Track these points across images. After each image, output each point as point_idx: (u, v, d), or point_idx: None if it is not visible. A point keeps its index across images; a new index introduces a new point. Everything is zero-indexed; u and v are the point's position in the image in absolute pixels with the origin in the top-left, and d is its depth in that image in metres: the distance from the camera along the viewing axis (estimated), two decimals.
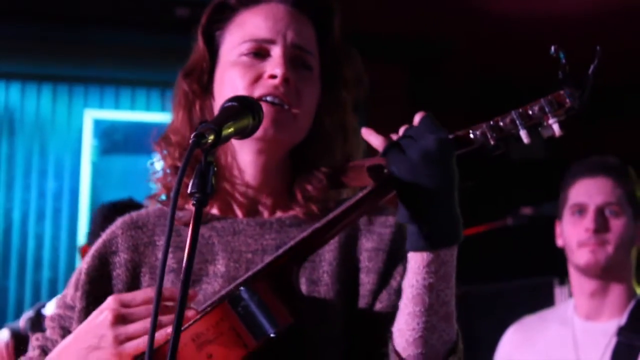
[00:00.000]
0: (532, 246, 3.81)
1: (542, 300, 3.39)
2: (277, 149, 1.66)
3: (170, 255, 1.65)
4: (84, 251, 3.09)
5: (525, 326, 2.98)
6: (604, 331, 2.78)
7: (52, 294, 5.01)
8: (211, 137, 1.33)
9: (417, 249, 1.42)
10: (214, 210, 1.70)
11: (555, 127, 1.42)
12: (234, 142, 1.65)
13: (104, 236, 1.72)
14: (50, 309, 2.95)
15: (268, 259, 1.51)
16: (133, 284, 1.66)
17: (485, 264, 4.32)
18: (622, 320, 2.78)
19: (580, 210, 2.81)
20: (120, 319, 1.47)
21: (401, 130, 1.45)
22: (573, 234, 2.82)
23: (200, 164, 1.33)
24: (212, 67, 1.71)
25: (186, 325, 1.42)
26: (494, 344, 3.03)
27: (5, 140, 5.36)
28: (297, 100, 1.63)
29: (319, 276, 1.61)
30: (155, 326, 1.26)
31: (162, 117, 1.81)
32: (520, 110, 1.43)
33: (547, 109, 1.42)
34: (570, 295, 2.95)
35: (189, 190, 1.32)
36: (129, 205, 3.08)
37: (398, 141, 1.43)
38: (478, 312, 4.00)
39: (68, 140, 5.39)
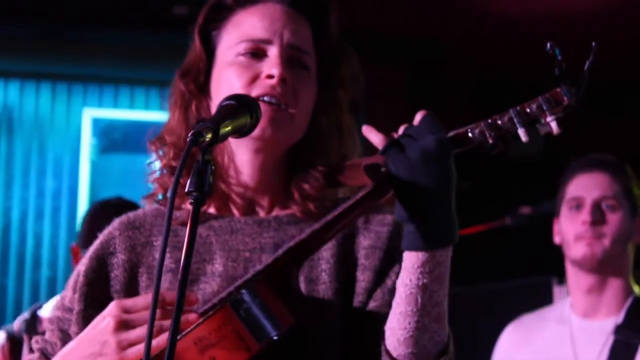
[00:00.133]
0: (531, 246, 3.80)
1: (541, 299, 3.38)
2: (274, 149, 1.66)
3: (167, 255, 1.64)
4: (74, 250, 3.09)
5: (523, 325, 2.98)
6: (601, 329, 2.78)
7: (51, 293, 5.00)
8: (209, 136, 1.33)
9: (412, 248, 1.42)
10: (211, 210, 1.70)
11: (553, 125, 1.42)
12: (231, 141, 1.65)
13: (101, 237, 1.72)
14: (46, 310, 2.95)
15: (267, 260, 1.51)
16: (131, 285, 1.66)
17: (484, 263, 4.31)
18: (619, 318, 2.78)
19: (578, 205, 2.83)
20: (123, 325, 1.47)
21: (401, 129, 1.45)
22: (570, 228, 2.83)
23: (198, 162, 1.33)
24: (209, 67, 1.71)
25: (188, 329, 1.43)
26: (493, 343, 3.03)
27: (3, 139, 5.35)
28: (294, 100, 1.63)
29: (317, 275, 1.61)
30: (153, 330, 1.26)
31: (160, 115, 1.81)
32: (518, 108, 1.43)
33: (544, 107, 1.42)
34: (569, 294, 2.95)
35: (186, 189, 1.31)
36: (118, 203, 3.08)
37: (398, 140, 1.43)
38: (477, 311, 4.01)
39: (67, 139, 5.38)
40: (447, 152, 1.41)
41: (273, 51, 1.64)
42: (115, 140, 5.45)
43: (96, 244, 1.71)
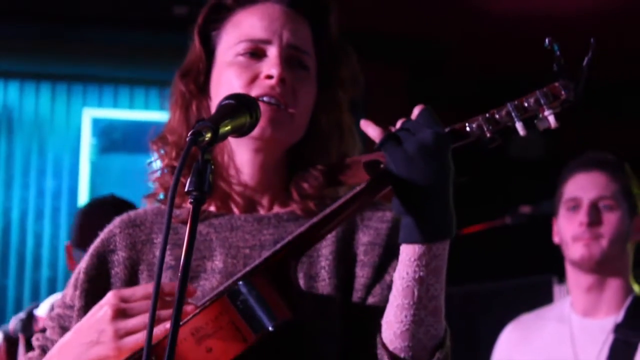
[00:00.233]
0: (531, 245, 3.81)
1: (541, 298, 3.38)
2: (274, 148, 1.66)
3: (168, 253, 1.65)
4: (67, 249, 3.09)
5: (523, 324, 2.98)
6: (601, 328, 2.78)
7: (51, 292, 5.00)
8: (208, 135, 1.33)
9: (409, 241, 1.42)
10: (212, 208, 1.71)
11: (551, 119, 1.43)
12: (231, 140, 1.66)
13: (102, 235, 1.73)
14: (43, 310, 2.95)
15: (266, 254, 1.51)
16: (131, 282, 1.66)
17: (484, 262, 4.32)
18: (619, 317, 2.78)
19: (575, 205, 2.83)
20: (120, 314, 1.47)
21: (399, 123, 1.45)
22: (568, 229, 2.83)
23: (198, 162, 1.33)
24: (209, 67, 1.71)
25: (185, 319, 1.43)
26: (493, 342, 3.03)
27: (3, 139, 5.36)
28: (293, 100, 1.63)
29: (316, 272, 1.61)
30: (154, 321, 1.26)
31: (160, 115, 1.81)
32: (516, 102, 1.44)
33: (542, 101, 1.43)
34: (569, 293, 2.95)
35: (186, 189, 1.32)
36: (111, 202, 3.09)
37: (395, 133, 1.43)
38: (477, 310, 4.01)
39: (67, 139, 5.38)
40: (445, 145, 1.41)
41: (272, 51, 1.65)
42: (115, 140, 5.45)
43: (97, 241, 1.72)
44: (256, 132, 1.52)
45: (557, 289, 3.59)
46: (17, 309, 4.99)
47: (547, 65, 1.46)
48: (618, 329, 2.76)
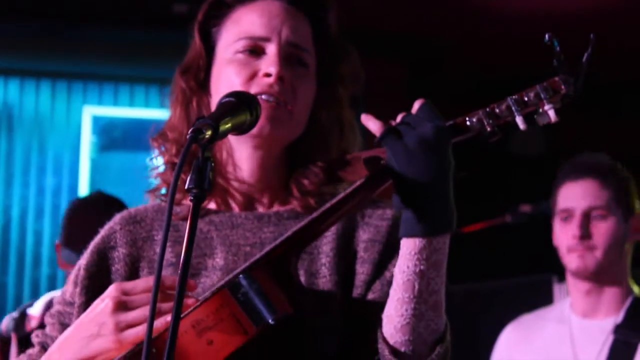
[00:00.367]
0: (531, 244, 3.80)
1: (541, 297, 3.38)
2: (273, 146, 1.66)
3: (168, 250, 1.65)
4: (57, 248, 3.09)
5: (523, 324, 2.98)
6: (600, 328, 2.78)
7: (51, 290, 5.00)
8: (208, 133, 1.33)
9: (410, 235, 1.42)
10: (212, 205, 1.71)
11: (551, 114, 1.43)
12: (231, 138, 1.66)
13: (103, 232, 1.73)
14: (37, 309, 2.94)
15: (267, 248, 1.51)
16: (132, 279, 1.65)
17: (484, 261, 4.32)
18: (619, 317, 2.78)
19: (567, 216, 2.81)
20: (121, 307, 1.47)
21: (399, 117, 1.45)
22: (562, 239, 2.82)
23: (198, 159, 1.33)
24: (209, 64, 1.71)
25: (186, 312, 1.43)
26: (493, 341, 3.03)
27: (4, 137, 5.36)
28: (292, 97, 1.63)
29: (317, 268, 1.61)
30: (155, 313, 1.26)
31: (160, 113, 1.81)
32: (516, 96, 1.44)
33: (542, 95, 1.43)
34: (569, 293, 2.95)
35: (186, 186, 1.32)
36: (98, 199, 3.09)
37: (396, 127, 1.43)
38: (477, 309, 4.01)
39: (67, 137, 5.39)
40: (445, 140, 1.41)
41: (271, 49, 1.64)
42: (115, 137, 5.46)
43: (97, 238, 1.72)
44: (256, 129, 1.51)
45: (557, 288, 3.59)
46: (17, 306, 4.98)
47: (547, 63, 1.46)
48: (618, 329, 2.75)
